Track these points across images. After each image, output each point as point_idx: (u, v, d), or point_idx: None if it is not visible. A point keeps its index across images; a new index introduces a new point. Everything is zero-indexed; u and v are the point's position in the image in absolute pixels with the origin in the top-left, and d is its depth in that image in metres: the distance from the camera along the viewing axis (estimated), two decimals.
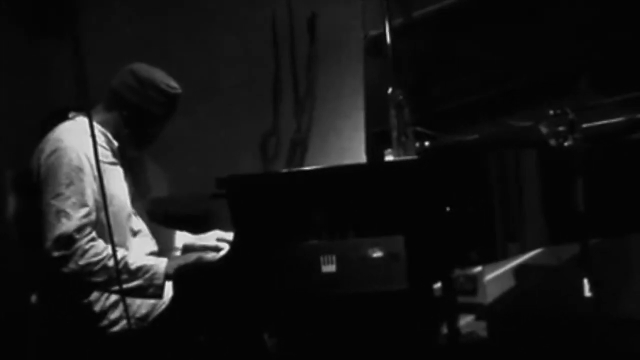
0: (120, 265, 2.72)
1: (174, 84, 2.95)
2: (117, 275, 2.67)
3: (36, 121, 3.28)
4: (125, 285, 2.71)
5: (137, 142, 2.98)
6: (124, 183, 2.95)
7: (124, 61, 3.06)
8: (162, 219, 3.29)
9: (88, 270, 2.71)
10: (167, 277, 2.77)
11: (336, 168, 2.96)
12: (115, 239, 2.64)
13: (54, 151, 2.80)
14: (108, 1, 4.21)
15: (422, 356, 3.16)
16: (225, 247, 2.99)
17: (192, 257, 2.85)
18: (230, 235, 2.98)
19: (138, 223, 3.03)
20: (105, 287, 2.76)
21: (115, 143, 2.93)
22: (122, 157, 2.97)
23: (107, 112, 2.93)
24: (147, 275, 2.75)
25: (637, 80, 3.14)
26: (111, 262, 2.71)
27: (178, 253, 3.14)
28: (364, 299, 2.74)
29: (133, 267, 2.74)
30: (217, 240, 3.10)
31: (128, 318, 2.74)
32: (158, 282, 2.75)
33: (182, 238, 3.17)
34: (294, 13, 4.24)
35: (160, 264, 2.78)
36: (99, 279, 2.72)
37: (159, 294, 2.77)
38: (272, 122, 4.30)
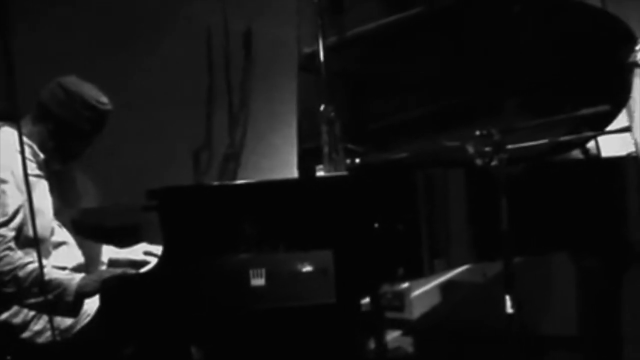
0: (31, 277, 2.67)
1: (104, 99, 2.92)
2: (29, 288, 2.65)
3: None
4: (35, 300, 2.67)
5: (62, 156, 2.95)
6: (48, 195, 2.91)
7: (52, 71, 3.03)
8: (91, 230, 3.26)
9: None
10: (80, 295, 2.71)
11: (267, 183, 2.98)
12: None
13: None
14: (38, 9, 4.15)
15: None
16: (153, 261, 2.98)
17: (107, 274, 2.82)
18: (158, 249, 2.96)
19: (63, 234, 2.99)
20: (17, 299, 2.71)
21: (41, 155, 2.90)
22: (48, 169, 2.94)
23: (34, 124, 2.89)
24: (57, 291, 2.69)
25: (560, 103, 3.24)
26: (22, 273, 2.68)
27: (104, 267, 3.11)
28: (292, 313, 2.76)
29: (45, 277, 2.67)
30: (145, 254, 3.08)
31: (52, 329, 2.71)
32: (68, 299, 2.70)
33: (108, 252, 3.14)
34: (229, 27, 4.26)
35: (72, 281, 2.72)
36: (9, 290, 2.68)
37: (70, 312, 2.72)
38: (205, 135, 4.30)
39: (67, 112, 2.87)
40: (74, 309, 2.72)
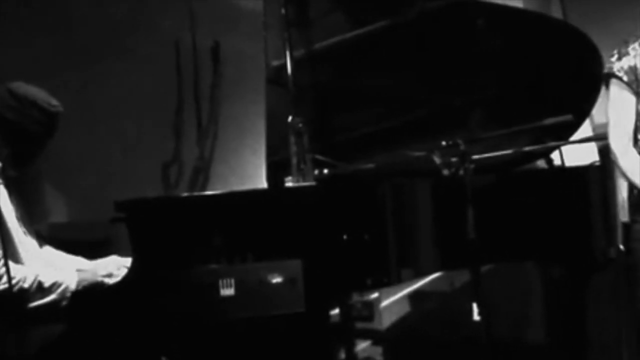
0: (35, 284, 2.76)
1: (54, 102, 2.91)
2: (34, 294, 2.75)
3: None
4: (40, 302, 2.75)
5: (16, 162, 2.93)
6: (8, 202, 2.90)
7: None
8: (60, 245, 3.24)
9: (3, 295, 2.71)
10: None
11: (236, 193, 3.00)
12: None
13: None
14: (13, 19, 4.14)
15: None
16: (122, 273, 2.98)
17: (101, 269, 2.89)
18: (128, 261, 2.96)
19: (28, 241, 2.98)
20: (23, 307, 2.76)
21: None
22: (4, 177, 2.92)
23: None
24: (60, 290, 2.79)
25: (525, 114, 3.29)
26: (26, 284, 2.74)
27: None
28: (262, 323, 2.77)
29: (47, 284, 2.78)
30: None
31: (23, 346, 2.70)
32: (70, 296, 2.79)
33: (75, 263, 3.12)
34: (198, 41, 4.28)
35: (72, 278, 2.82)
36: (17, 301, 2.72)
37: (65, 313, 2.78)
38: (174, 149, 4.31)
39: (18, 116, 2.86)
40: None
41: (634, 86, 2.99)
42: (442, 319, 4.07)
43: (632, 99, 3.00)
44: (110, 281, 2.85)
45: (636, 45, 3.02)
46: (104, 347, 2.78)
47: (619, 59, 3.03)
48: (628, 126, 3.01)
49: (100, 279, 2.85)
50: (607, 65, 3.06)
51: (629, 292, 3.25)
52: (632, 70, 2.99)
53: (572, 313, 3.46)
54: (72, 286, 2.80)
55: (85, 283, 2.81)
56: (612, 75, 3.03)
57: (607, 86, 3.06)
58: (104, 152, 4.14)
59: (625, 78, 2.99)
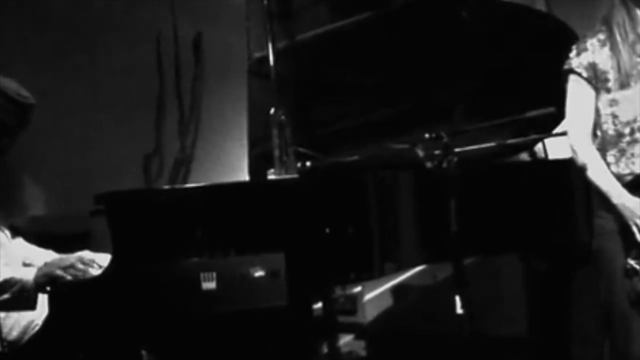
0: None
1: (25, 93, 2.89)
2: None
3: None
4: None
5: None
6: None
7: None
8: (39, 238, 3.21)
9: None
10: (38, 286, 2.74)
11: (218, 186, 2.98)
12: None
13: None
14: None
15: None
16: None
17: (64, 261, 2.82)
18: (100, 257, 2.92)
19: None
20: None
21: None
22: None
23: None
24: (15, 288, 2.73)
25: (508, 106, 3.28)
26: None
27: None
28: (244, 317, 2.76)
29: None
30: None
31: (2, 340, 2.67)
32: (28, 293, 2.73)
33: (47, 257, 3.09)
34: (179, 33, 4.26)
35: (29, 275, 2.75)
36: None
37: (31, 306, 2.73)
38: (155, 141, 4.29)
39: None
40: (34, 302, 2.74)
41: (594, 82, 2.98)
42: (424, 312, 4.09)
43: (592, 94, 2.98)
44: (79, 274, 2.82)
45: (594, 40, 3.00)
46: (85, 341, 2.76)
47: (578, 54, 3.00)
48: (588, 123, 2.99)
49: (60, 272, 2.76)
50: (566, 61, 3.04)
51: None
52: (592, 66, 2.96)
53: (554, 306, 3.48)
54: (30, 282, 2.72)
55: (43, 279, 2.74)
56: (571, 71, 3.01)
57: (566, 82, 3.04)
58: (84, 144, 4.12)
59: (584, 74, 2.97)
